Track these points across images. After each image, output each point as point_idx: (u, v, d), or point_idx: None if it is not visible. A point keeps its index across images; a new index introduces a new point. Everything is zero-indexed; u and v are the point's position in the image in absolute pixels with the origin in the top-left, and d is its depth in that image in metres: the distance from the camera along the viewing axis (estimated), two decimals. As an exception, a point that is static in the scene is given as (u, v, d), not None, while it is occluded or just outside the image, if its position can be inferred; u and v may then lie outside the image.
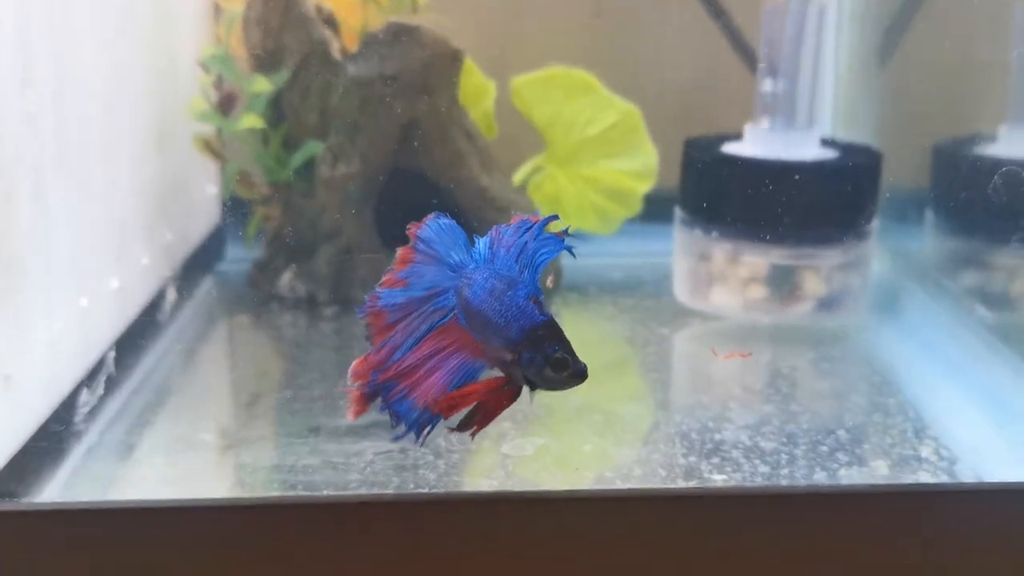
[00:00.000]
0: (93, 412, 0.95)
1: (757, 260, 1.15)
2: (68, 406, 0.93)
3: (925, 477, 0.88)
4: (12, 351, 0.86)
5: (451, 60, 1.20)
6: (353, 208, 1.21)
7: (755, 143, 1.17)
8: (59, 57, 0.94)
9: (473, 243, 0.76)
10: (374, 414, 0.75)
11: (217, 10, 1.28)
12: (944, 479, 0.88)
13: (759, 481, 0.88)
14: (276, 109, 1.22)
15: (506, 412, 0.74)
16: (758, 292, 1.16)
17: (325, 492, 0.85)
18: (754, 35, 1.24)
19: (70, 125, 0.96)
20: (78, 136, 0.98)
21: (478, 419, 0.73)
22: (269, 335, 1.22)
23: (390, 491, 0.85)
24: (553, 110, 1.29)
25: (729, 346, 1.18)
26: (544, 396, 0.75)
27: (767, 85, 1.16)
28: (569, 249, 0.75)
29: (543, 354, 0.71)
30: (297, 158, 1.21)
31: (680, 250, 1.20)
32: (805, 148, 1.17)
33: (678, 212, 1.20)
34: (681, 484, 0.87)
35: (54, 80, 0.93)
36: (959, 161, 1.19)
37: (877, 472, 0.89)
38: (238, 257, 1.32)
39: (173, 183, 1.24)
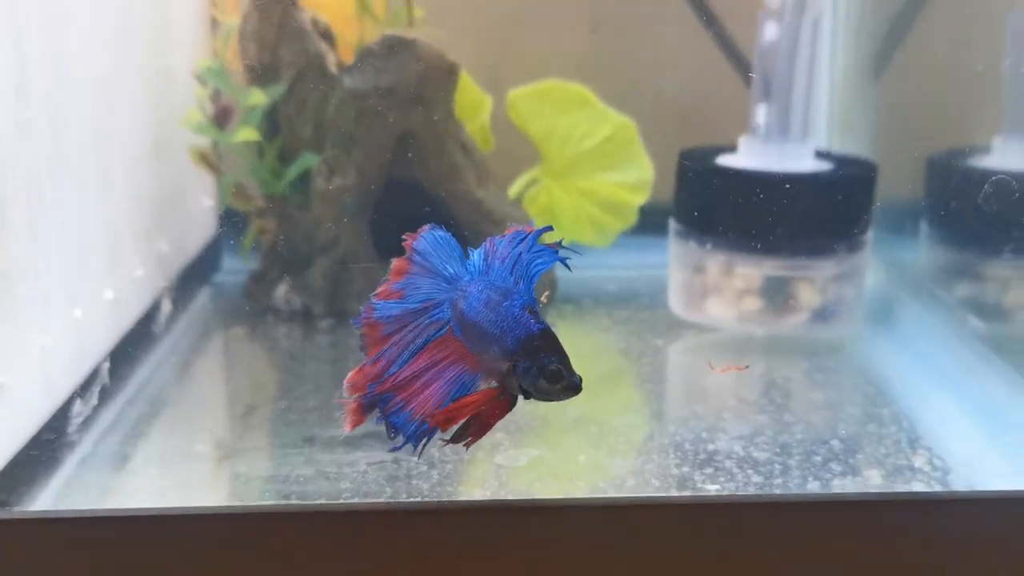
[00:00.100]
0: (87, 422, 0.96)
1: (751, 272, 1.16)
2: (62, 416, 0.93)
3: (918, 487, 0.88)
4: (6, 360, 0.86)
5: (447, 73, 1.20)
6: (349, 220, 1.21)
7: (750, 155, 1.18)
8: (54, 68, 0.94)
9: (468, 255, 0.76)
10: (368, 425, 0.75)
11: (215, 23, 1.29)
12: (937, 489, 0.88)
13: (752, 491, 0.87)
14: (272, 122, 1.22)
15: (500, 423, 0.74)
16: (753, 304, 1.16)
17: (318, 501, 0.85)
18: (748, 47, 1.24)
19: (65, 136, 0.97)
20: (73, 147, 0.98)
21: (473, 430, 0.73)
22: (264, 347, 1.22)
23: (382, 500, 0.85)
24: (549, 123, 1.29)
25: (724, 358, 1.18)
26: (539, 407, 0.75)
27: (761, 98, 1.17)
28: (563, 260, 0.75)
29: (538, 364, 0.71)
30: (293, 170, 1.21)
31: (675, 262, 1.21)
32: (800, 160, 1.17)
33: (673, 224, 1.20)
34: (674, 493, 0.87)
35: (49, 91, 0.93)
36: (953, 173, 1.19)
37: (870, 482, 0.89)
38: (234, 269, 1.32)
39: (169, 195, 1.24)
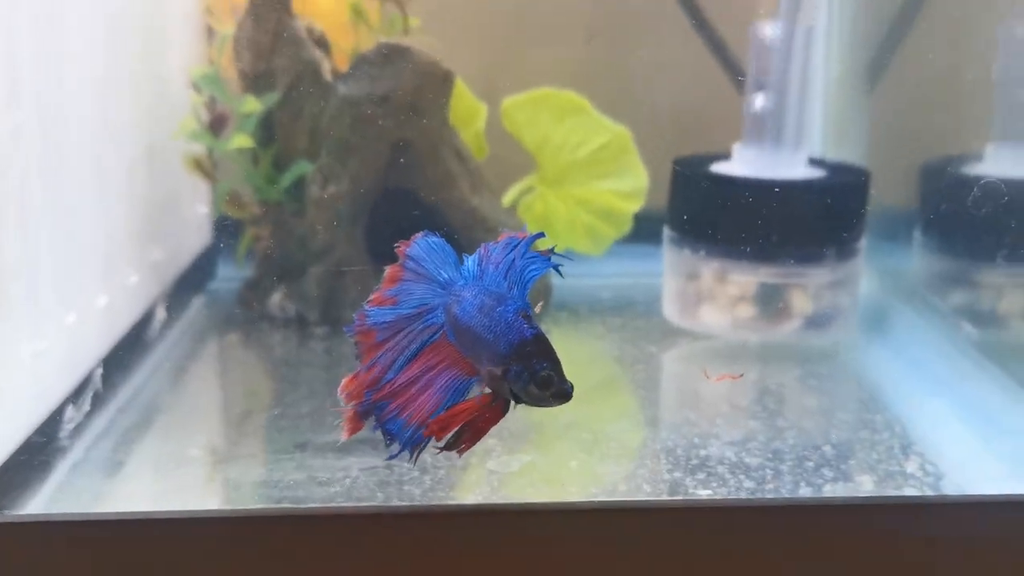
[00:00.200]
0: (79, 428, 0.95)
1: (745, 279, 1.16)
2: (54, 422, 0.93)
3: (910, 492, 0.88)
4: (-2, 365, 0.86)
5: (442, 81, 1.20)
6: (343, 228, 1.21)
7: (743, 162, 1.18)
8: (48, 73, 0.94)
9: (462, 261, 0.76)
10: (361, 431, 0.75)
11: (210, 31, 1.29)
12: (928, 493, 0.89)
13: (744, 496, 0.88)
14: (267, 129, 1.22)
15: (493, 429, 0.74)
16: (746, 311, 1.16)
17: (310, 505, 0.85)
18: (742, 55, 1.25)
19: (59, 142, 0.97)
20: (66, 153, 0.99)
21: (466, 437, 0.73)
22: (258, 354, 1.22)
23: (374, 504, 0.85)
24: (543, 131, 1.29)
25: (718, 364, 1.18)
26: (532, 414, 0.75)
27: (755, 104, 1.17)
28: (556, 267, 0.75)
29: (530, 370, 0.71)
30: (287, 178, 1.21)
31: (669, 269, 1.21)
32: (793, 167, 1.17)
33: (667, 231, 1.20)
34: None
35: (42, 96, 0.93)
36: (947, 180, 1.19)
37: (862, 487, 0.89)
38: (229, 276, 1.32)
39: (164, 202, 1.24)
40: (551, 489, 0.91)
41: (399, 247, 0.76)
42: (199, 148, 1.25)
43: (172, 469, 0.95)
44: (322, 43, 1.23)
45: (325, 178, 1.20)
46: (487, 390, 0.74)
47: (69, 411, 0.95)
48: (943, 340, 1.18)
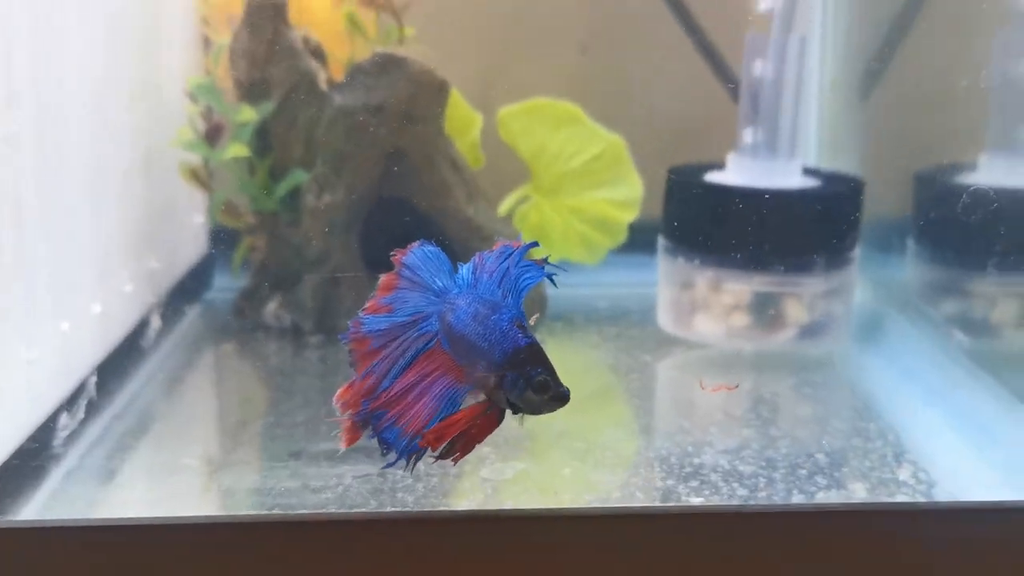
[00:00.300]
0: (73, 436, 0.96)
1: (740, 288, 1.16)
2: (48, 428, 0.93)
3: (902, 500, 0.89)
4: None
5: (437, 91, 1.21)
6: (338, 237, 1.21)
7: (738, 172, 1.18)
8: (43, 82, 0.95)
9: (457, 270, 0.76)
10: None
11: (207, 41, 1.29)
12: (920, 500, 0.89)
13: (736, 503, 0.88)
14: (262, 139, 1.23)
15: (487, 437, 0.74)
16: (741, 320, 1.17)
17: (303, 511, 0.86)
18: (733, 56, 1.25)
19: (54, 151, 0.97)
20: (62, 162, 0.99)
21: (461, 446, 0.73)
22: (254, 363, 1.22)
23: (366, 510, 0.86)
24: (538, 141, 1.30)
25: (713, 373, 1.18)
26: (526, 422, 0.75)
27: (748, 115, 1.17)
28: (550, 276, 0.75)
29: (525, 376, 0.71)
30: (283, 187, 1.21)
31: (663, 278, 1.21)
32: (787, 177, 1.18)
33: (661, 241, 1.21)
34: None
35: (38, 104, 0.93)
36: (940, 189, 1.20)
37: (855, 495, 0.89)
38: (225, 286, 1.33)
39: (159, 211, 1.25)
40: (544, 497, 0.91)
41: (395, 255, 0.76)
42: (195, 157, 1.25)
43: (167, 477, 0.95)
44: (318, 53, 1.23)
45: (320, 187, 1.20)
46: (481, 398, 0.74)
47: (63, 418, 0.95)
48: (936, 349, 1.18)
